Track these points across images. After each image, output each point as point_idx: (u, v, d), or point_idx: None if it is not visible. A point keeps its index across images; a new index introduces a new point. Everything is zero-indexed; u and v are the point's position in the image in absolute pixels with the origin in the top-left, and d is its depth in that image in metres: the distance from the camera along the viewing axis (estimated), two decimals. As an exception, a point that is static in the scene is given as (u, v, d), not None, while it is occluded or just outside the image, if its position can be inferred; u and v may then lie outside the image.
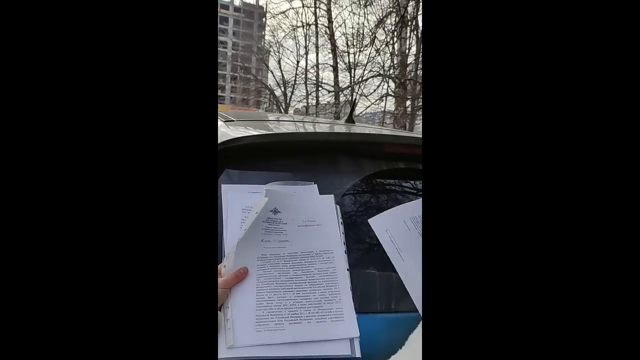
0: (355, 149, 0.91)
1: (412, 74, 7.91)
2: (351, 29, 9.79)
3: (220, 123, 0.95)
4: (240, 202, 0.73)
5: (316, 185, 0.79)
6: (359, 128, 1.15)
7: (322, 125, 1.27)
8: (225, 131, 0.88)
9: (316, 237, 0.71)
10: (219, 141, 0.81)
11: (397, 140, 1.01)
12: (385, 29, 8.01)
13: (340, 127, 1.19)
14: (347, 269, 0.68)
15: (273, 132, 0.99)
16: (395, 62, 8.56)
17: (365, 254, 0.83)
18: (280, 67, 11.88)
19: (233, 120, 0.98)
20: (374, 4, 8.58)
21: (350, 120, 1.26)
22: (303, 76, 11.18)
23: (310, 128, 1.16)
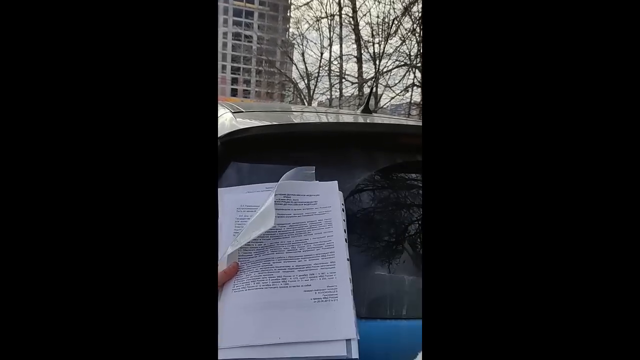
0: (369, 140, 0.86)
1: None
2: (376, 18, 9.61)
3: (229, 115, 0.92)
4: (235, 203, 0.69)
5: (314, 168, 0.74)
6: (375, 118, 1.10)
7: (335, 116, 1.22)
8: (233, 122, 0.85)
9: (313, 228, 0.66)
10: (226, 132, 0.78)
11: (415, 130, 0.94)
12: (412, 16, 7.78)
13: (356, 118, 1.13)
14: (347, 259, 0.62)
15: (281, 123, 0.95)
16: (421, 50, 8.31)
17: (377, 252, 0.79)
18: (304, 60, 11.83)
19: (242, 112, 0.94)
20: (400, -10, 8.34)
21: (367, 110, 1.20)
22: (326, 68, 11.08)
23: (322, 118, 1.11)
